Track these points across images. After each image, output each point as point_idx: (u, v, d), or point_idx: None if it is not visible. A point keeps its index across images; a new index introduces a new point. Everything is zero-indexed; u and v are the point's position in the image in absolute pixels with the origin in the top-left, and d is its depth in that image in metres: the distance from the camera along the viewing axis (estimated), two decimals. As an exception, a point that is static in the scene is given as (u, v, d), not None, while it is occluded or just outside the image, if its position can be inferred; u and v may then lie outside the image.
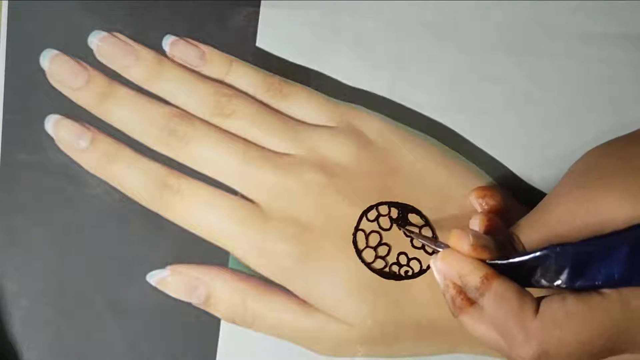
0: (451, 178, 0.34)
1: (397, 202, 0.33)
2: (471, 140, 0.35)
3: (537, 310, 0.25)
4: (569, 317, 0.24)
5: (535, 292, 0.27)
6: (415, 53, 0.35)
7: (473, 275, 0.27)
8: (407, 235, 0.32)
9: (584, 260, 0.25)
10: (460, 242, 0.28)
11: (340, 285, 0.32)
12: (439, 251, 0.29)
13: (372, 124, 0.34)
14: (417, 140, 0.34)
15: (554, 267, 0.25)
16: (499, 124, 0.35)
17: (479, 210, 0.32)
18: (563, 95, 0.35)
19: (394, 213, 0.33)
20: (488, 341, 0.27)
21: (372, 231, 0.33)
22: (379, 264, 0.33)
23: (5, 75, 0.36)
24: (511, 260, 0.27)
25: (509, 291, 0.26)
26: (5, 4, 0.36)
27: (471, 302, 0.28)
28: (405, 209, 0.33)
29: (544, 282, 0.26)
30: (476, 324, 0.27)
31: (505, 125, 0.35)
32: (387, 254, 0.33)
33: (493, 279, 0.27)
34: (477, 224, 0.30)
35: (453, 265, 0.28)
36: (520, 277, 0.27)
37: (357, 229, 0.33)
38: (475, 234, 0.28)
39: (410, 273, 0.33)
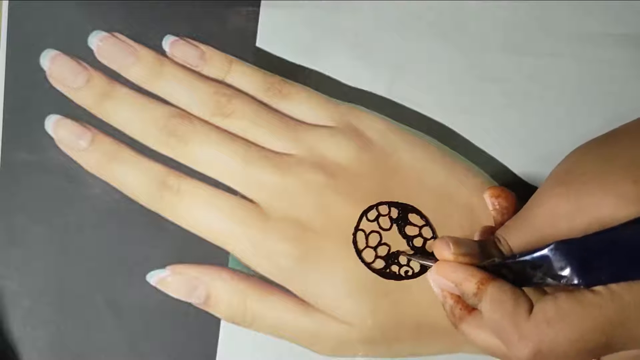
0: (451, 178, 0.34)
1: (397, 202, 0.33)
2: (471, 140, 0.35)
3: (531, 311, 0.25)
4: (561, 315, 0.24)
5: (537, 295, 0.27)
6: (415, 53, 0.35)
7: (468, 282, 0.27)
8: (408, 257, 0.33)
9: (589, 256, 0.25)
10: (442, 252, 0.29)
11: (340, 285, 0.32)
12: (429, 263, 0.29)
13: (372, 124, 0.34)
14: (417, 140, 0.34)
15: (559, 264, 0.25)
16: (499, 124, 0.35)
17: (490, 208, 0.33)
18: (563, 95, 0.35)
19: (394, 213, 0.33)
20: (489, 348, 0.27)
21: (372, 231, 0.33)
22: (379, 264, 0.33)
23: (5, 75, 0.36)
24: (519, 259, 0.27)
25: (504, 293, 0.26)
26: (5, 4, 0.36)
27: (470, 310, 0.28)
28: (405, 209, 0.33)
29: (550, 280, 0.26)
30: (476, 331, 0.28)
31: (505, 125, 0.35)
32: (387, 254, 0.33)
33: (488, 283, 0.27)
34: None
35: (448, 275, 0.28)
36: (525, 277, 0.27)
37: (357, 229, 0.33)
38: (456, 242, 0.29)
39: (410, 273, 0.33)
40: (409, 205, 0.33)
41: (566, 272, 0.25)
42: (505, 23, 0.35)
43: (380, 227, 0.33)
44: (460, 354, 0.33)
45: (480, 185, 0.34)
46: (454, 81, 0.35)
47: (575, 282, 0.25)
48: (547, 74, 0.35)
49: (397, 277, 0.33)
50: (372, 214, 0.33)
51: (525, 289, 0.27)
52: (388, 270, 0.33)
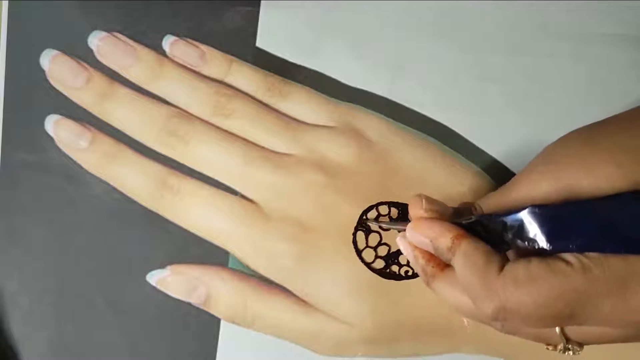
0: (451, 178, 0.34)
1: (397, 202, 0.33)
2: (471, 140, 0.35)
3: (502, 269, 0.25)
4: (530, 278, 0.24)
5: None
6: (415, 52, 0.35)
7: (443, 237, 0.27)
8: (367, 229, 0.33)
9: (561, 224, 0.25)
10: (414, 208, 0.28)
11: (340, 285, 0.32)
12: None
13: (372, 124, 0.34)
14: (417, 140, 0.34)
15: (531, 227, 0.26)
16: (499, 123, 0.35)
17: None
18: (563, 95, 0.35)
19: (394, 213, 0.33)
20: (459, 306, 0.27)
21: (372, 231, 0.33)
22: (379, 264, 0.33)
23: (5, 75, 0.36)
24: (494, 219, 0.27)
25: (477, 250, 0.26)
26: (5, 4, 0.36)
27: (442, 268, 0.28)
28: (405, 209, 0.33)
29: (519, 242, 0.26)
30: (448, 288, 0.28)
31: (505, 125, 0.35)
32: (387, 254, 0.33)
33: (462, 239, 0.27)
34: None
35: (424, 230, 0.28)
36: (496, 237, 0.27)
37: (357, 228, 0.33)
38: (429, 199, 0.28)
39: (410, 273, 0.33)
40: (408, 205, 0.33)
41: (536, 236, 0.25)
42: (505, 23, 0.35)
43: (381, 227, 0.33)
44: (460, 354, 0.33)
45: (480, 185, 0.34)
46: (454, 81, 0.35)
47: (543, 246, 0.25)
48: (547, 74, 0.35)
49: (397, 277, 0.33)
50: (372, 214, 0.33)
51: (508, 253, 0.27)
52: (388, 270, 0.33)
